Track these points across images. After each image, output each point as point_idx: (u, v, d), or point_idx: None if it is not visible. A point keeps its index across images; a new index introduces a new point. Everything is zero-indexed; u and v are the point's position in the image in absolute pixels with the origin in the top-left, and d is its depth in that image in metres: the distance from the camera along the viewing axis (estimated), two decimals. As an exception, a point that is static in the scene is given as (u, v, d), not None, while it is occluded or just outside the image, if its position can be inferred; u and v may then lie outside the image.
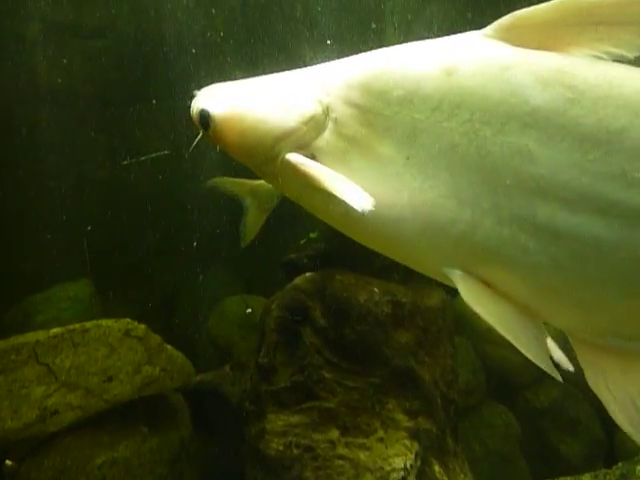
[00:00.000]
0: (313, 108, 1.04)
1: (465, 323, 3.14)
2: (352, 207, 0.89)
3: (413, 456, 1.88)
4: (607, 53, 0.86)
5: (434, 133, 0.92)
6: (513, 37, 0.90)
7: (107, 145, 3.57)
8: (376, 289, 2.11)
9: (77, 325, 2.24)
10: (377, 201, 0.92)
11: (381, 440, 1.92)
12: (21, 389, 2.05)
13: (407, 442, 1.91)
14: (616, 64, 0.86)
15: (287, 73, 1.17)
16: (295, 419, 1.98)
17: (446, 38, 0.98)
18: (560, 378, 0.90)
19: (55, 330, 2.20)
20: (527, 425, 3.38)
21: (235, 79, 1.24)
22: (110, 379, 2.19)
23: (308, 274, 2.21)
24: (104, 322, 2.28)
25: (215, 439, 2.61)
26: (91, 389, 2.15)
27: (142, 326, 2.35)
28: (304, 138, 1.05)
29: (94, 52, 3.46)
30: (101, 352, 2.21)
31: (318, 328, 2.07)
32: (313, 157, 1.05)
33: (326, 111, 1.04)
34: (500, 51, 0.90)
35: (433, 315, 2.15)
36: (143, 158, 3.50)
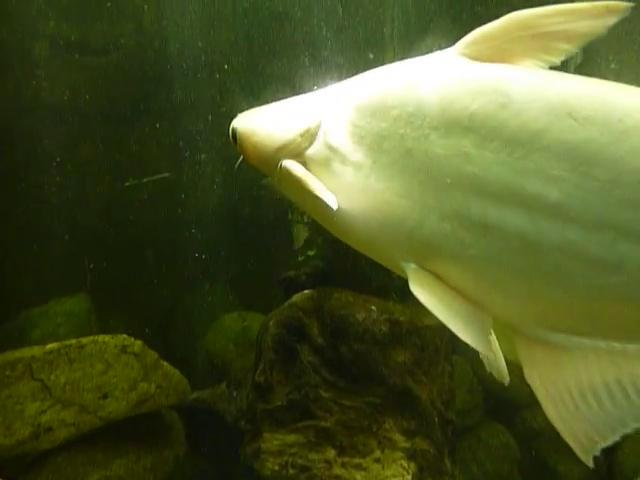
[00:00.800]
0: (309, 123, 1.21)
1: (462, 342, 3.12)
2: (327, 204, 1.07)
3: (410, 477, 1.86)
4: (545, 61, 0.98)
5: (394, 139, 1.03)
6: (474, 52, 1.01)
7: (109, 161, 3.59)
8: (374, 307, 2.11)
9: (73, 340, 2.23)
10: (350, 201, 1.08)
11: (378, 460, 1.90)
12: (15, 405, 2.03)
13: (404, 463, 1.89)
14: (550, 71, 0.97)
15: (299, 96, 1.36)
16: (291, 438, 1.96)
17: (420, 57, 1.11)
18: (505, 369, 1.01)
19: (51, 345, 2.19)
20: (525, 446, 3.34)
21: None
22: (105, 396, 2.17)
23: (306, 291, 2.21)
24: (100, 338, 2.27)
25: (210, 458, 2.58)
26: (86, 406, 2.13)
27: (138, 342, 2.34)
28: (299, 148, 1.22)
29: (98, 69, 3.50)
30: (97, 368, 2.19)
31: (315, 346, 2.06)
32: (305, 164, 1.20)
33: (319, 125, 1.19)
34: (458, 65, 1.01)
35: (431, 334, 2.14)
36: (145, 180, 3.53)
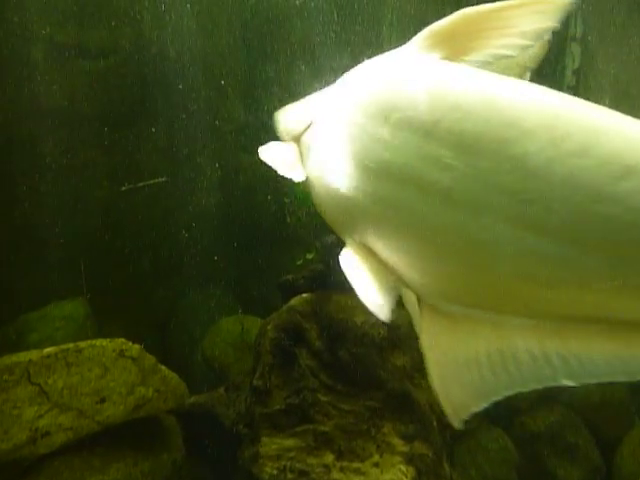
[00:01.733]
0: (307, 115, 1.40)
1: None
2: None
3: (409, 481, 1.85)
4: (501, 55, 1.07)
5: (344, 127, 1.17)
6: (428, 47, 1.10)
7: (106, 165, 3.59)
8: (372, 311, 2.10)
9: (71, 345, 2.22)
10: (316, 179, 1.25)
11: (376, 465, 1.89)
12: (12, 409, 2.02)
13: (403, 467, 1.89)
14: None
15: (314, 94, 1.54)
16: (290, 443, 1.96)
17: (387, 53, 1.21)
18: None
19: (49, 350, 2.18)
20: (524, 449, 3.34)
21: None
22: (103, 400, 2.16)
23: (304, 295, 2.21)
24: (98, 342, 2.26)
25: (208, 462, 2.57)
26: (83, 410, 2.12)
27: (137, 346, 2.33)
28: (298, 134, 1.41)
29: (96, 73, 3.51)
30: (94, 372, 2.19)
31: (314, 350, 2.06)
32: (300, 146, 1.40)
33: (313, 117, 1.37)
34: (406, 59, 1.13)
35: (429, 337, 2.14)
36: (142, 184, 3.53)
